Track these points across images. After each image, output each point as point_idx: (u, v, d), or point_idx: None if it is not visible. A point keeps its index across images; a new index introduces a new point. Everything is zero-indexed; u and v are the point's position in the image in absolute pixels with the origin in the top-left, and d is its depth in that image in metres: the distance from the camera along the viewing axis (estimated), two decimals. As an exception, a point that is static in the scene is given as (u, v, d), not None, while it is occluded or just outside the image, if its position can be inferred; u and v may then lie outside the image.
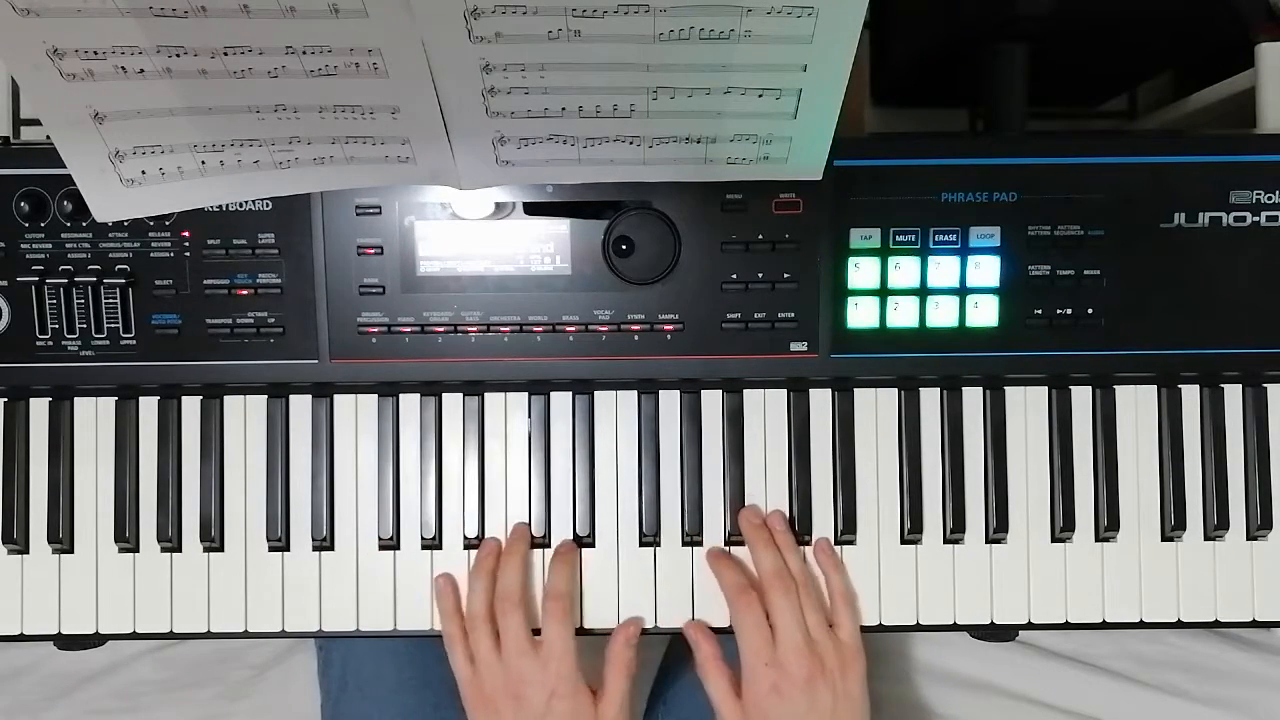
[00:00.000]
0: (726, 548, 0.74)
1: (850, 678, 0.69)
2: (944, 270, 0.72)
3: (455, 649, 0.71)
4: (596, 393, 0.75)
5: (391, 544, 0.74)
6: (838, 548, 0.74)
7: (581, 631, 0.73)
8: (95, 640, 0.74)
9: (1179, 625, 0.74)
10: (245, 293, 0.71)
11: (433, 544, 0.74)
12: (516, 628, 0.70)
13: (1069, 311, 0.72)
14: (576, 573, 0.73)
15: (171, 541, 0.73)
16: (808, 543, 0.74)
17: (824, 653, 0.68)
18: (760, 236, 0.71)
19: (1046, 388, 0.75)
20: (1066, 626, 0.74)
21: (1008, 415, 0.75)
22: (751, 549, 0.72)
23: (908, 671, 0.97)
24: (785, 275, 0.71)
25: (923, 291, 0.72)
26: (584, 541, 0.74)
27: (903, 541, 0.74)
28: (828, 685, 0.68)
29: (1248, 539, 0.75)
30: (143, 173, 0.62)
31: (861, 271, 0.72)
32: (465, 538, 0.74)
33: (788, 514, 0.74)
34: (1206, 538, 0.75)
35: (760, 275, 0.71)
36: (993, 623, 0.74)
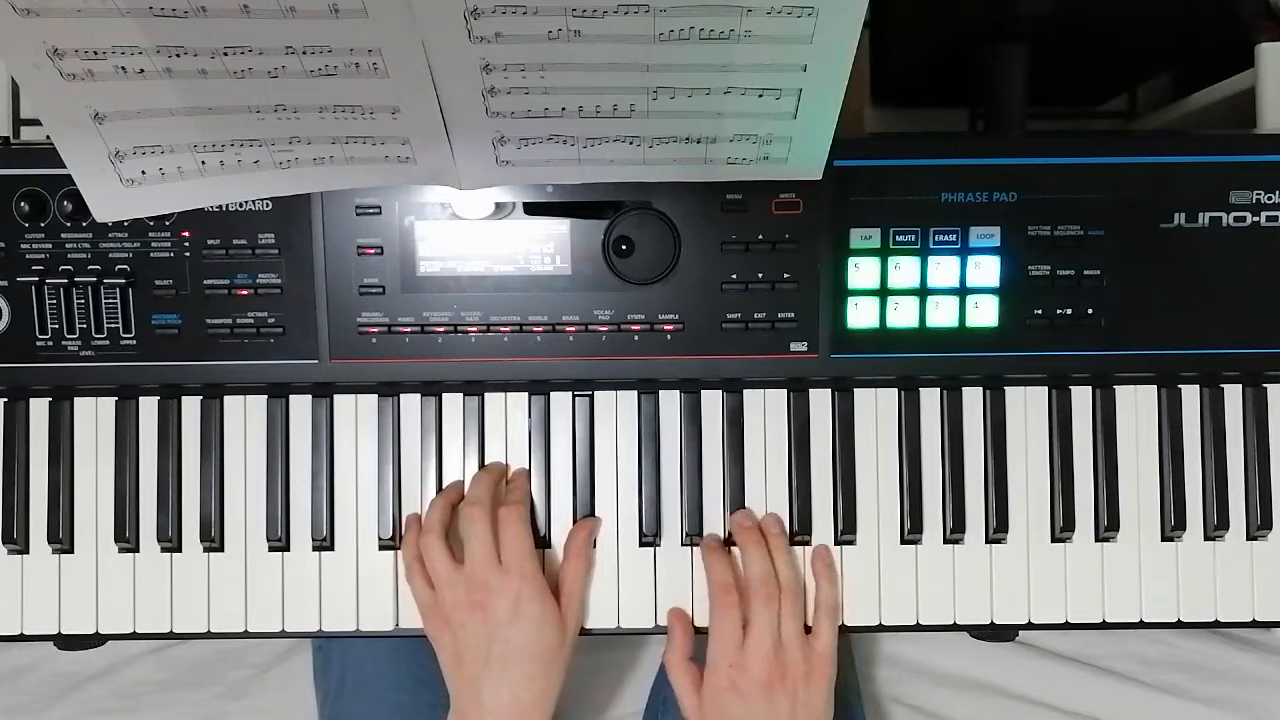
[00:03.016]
0: (726, 545, 0.74)
1: (814, 688, 0.69)
2: (944, 270, 0.72)
3: (414, 577, 0.71)
4: (596, 393, 0.75)
5: (392, 544, 0.74)
6: (837, 548, 0.74)
7: (583, 632, 0.73)
8: (95, 640, 0.74)
9: (1179, 625, 0.74)
10: (245, 293, 0.71)
11: (433, 544, 0.74)
12: (483, 533, 0.69)
13: (1069, 311, 0.72)
14: (528, 487, 0.73)
15: (171, 541, 0.73)
16: (807, 543, 0.74)
17: (790, 661, 0.68)
18: (760, 236, 0.71)
19: (1046, 388, 0.75)
20: (1066, 626, 0.74)
21: (1008, 415, 0.75)
22: (742, 551, 0.72)
23: (907, 672, 0.97)
24: (785, 275, 0.71)
25: (923, 291, 0.72)
26: (584, 541, 0.74)
27: (903, 541, 0.74)
28: (787, 693, 0.68)
29: (1248, 539, 0.75)
30: (143, 173, 0.62)
31: (861, 271, 0.72)
32: (465, 538, 0.74)
33: (788, 514, 0.74)
34: (1206, 538, 0.75)
35: (760, 275, 0.71)
36: (993, 623, 0.74)
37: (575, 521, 0.74)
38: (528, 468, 0.74)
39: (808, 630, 0.71)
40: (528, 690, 0.67)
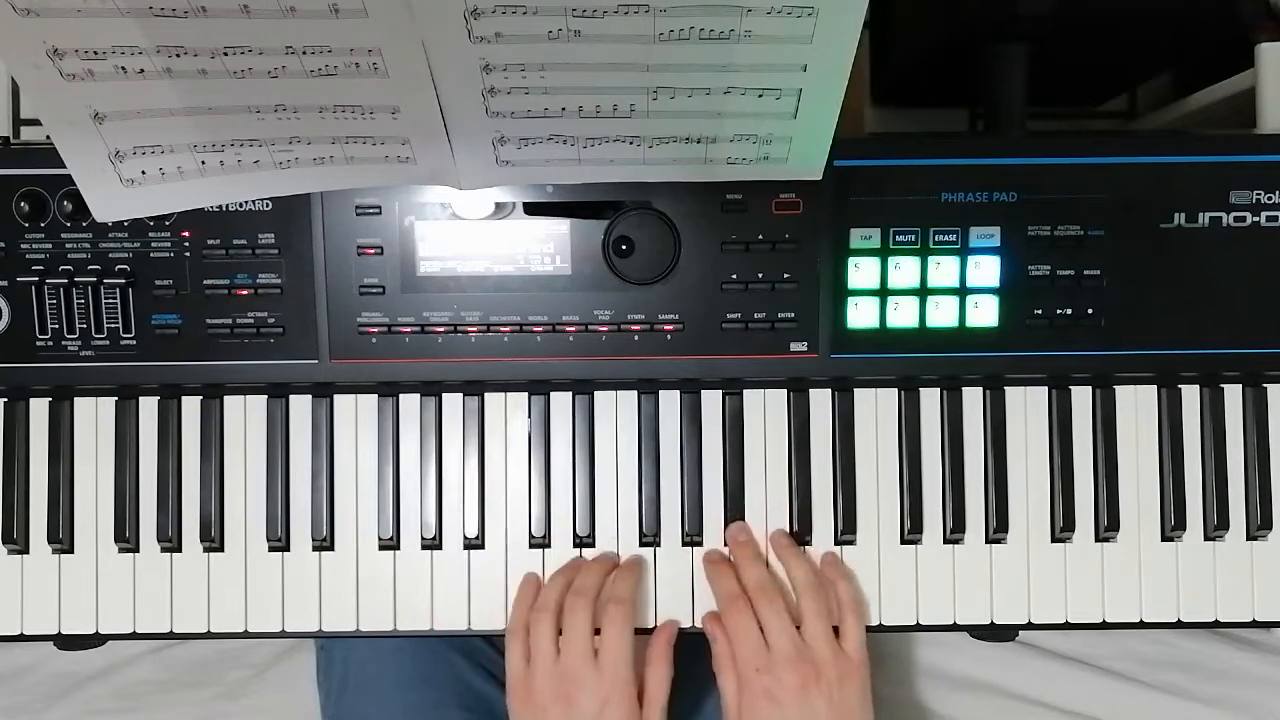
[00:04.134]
0: (725, 550, 0.74)
1: (848, 688, 0.68)
2: (944, 270, 0.72)
3: (514, 643, 0.70)
4: (596, 393, 0.75)
5: (391, 544, 0.74)
6: (838, 548, 0.74)
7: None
8: (95, 640, 0.74)
9: (1179, 625, 0.74)
10: (245, 293, 0.71)
11: (433, 544, 0.74)
12: (582, 625, 0.68)
13: (1069, 311, 0.72)
14: (639, 581, 0.73)
15: (171, 541, 0.73)
16: (807, 543, 0.74)
17: (820, 661, 0.68)
18: (760, 236, 0.71)
19: (1046, 388, 0.75)
20: (1066, 626, 0.74)
21: (1008, 415, 0.75)
22: (737, 564, 0.72)
23: (907, 672, 0.97)
24: (785, 275, 0.71)
25: (923, 291, 0.72)
26: (584, 541, 0.74)
27: (903, 541, 0.74)
28: (822, 694, 0.67)
29: (1248, 539, 0.75)
30: (143, 173, 0.62)
31: (861, 271, 0.72)
32: (465, 538, 0.74)
33: (788, 514, 0.74)
34: (1206, 538, 0.75)
35: (760, 275, 0.71)
36: (993, 623, 0.74)
37: (574, 529, 0.74)
38: (528, 469, 0.74)
39: (836, 633, 0.70)
40: None
